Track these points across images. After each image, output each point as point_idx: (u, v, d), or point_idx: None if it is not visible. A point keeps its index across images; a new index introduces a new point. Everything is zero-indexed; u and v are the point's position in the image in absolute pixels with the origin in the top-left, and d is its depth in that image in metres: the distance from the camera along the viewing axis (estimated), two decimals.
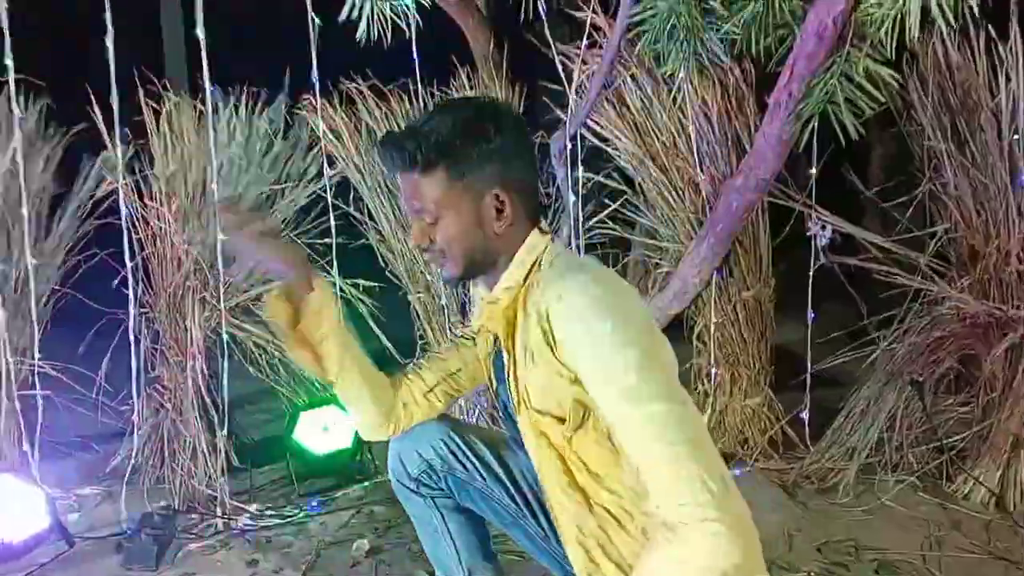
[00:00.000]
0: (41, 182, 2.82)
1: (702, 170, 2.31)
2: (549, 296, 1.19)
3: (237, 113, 2.69)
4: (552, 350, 1.18)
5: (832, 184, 2.46)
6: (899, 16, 1.78)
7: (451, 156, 1.24)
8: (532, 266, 1.27)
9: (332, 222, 2.71)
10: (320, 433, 2.67)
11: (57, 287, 2.80)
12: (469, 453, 1.51)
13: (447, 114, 1.28)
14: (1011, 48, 2.08)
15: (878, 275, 2.24)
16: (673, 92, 2.26)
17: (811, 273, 2.26)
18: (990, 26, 2.07)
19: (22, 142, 2.58)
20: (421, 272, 2.79)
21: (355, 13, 2.17)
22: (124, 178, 2.60)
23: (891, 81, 1.89)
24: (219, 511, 2.42)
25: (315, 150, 2.74)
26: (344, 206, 2.77)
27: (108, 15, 2.28)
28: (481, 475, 1.50)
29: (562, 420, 1.22)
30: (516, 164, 1.27)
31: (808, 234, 2.21)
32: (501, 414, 1.41)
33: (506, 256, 1.29)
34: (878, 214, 2.93)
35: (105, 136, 2.66)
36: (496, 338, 1.32)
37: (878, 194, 2.53)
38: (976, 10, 1.82)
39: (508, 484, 1.49)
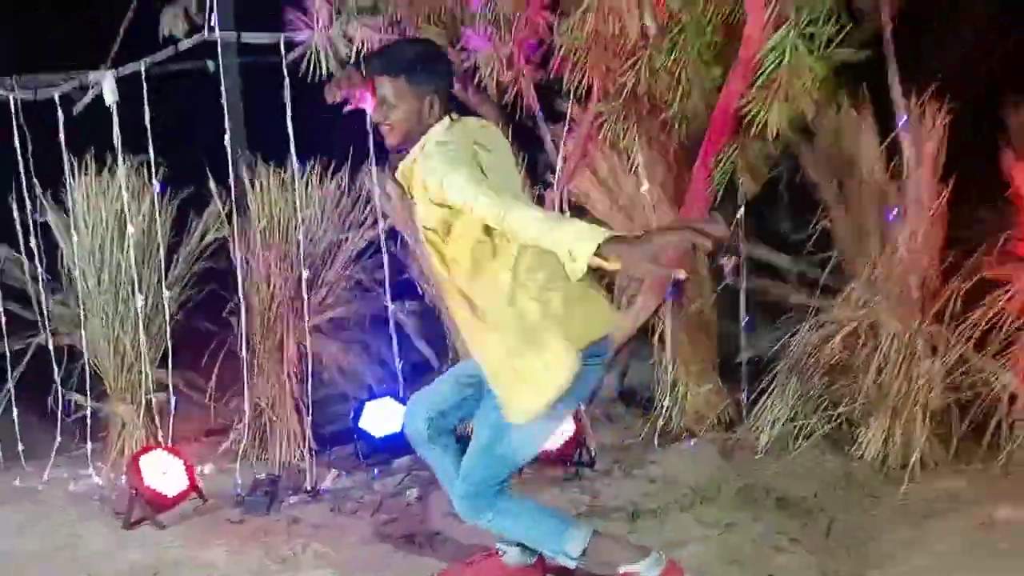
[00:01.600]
0: (163, 233, 3.74)
1: (655, 216, 3.14)
2: (422, 155, 2.00)
3: (312, 179, 3.58)
4: (425, 187, 1.94)
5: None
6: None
7: (410, 70, 2.03)
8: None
9: (385, 260, 3.59)
10: (378, 421, 3.52)
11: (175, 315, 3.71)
12: (442, 393, 2.33)
13: (411, 45, 2.17)
14: (867, 128, 2.90)
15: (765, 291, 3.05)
16: (630, 161, 3.10)
17: (719, 292, 3.09)
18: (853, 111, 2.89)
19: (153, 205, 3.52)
20: None
21: None
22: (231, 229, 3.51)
23: (773, 155, 2.71)
24: (308, 476, 3.28)
25: (370, 206, 3.62)
26: (393, 248, 3.64)
27: (228, 122, 3.18)
28: (454, 399, 2.30)
29: (436, 231, 2.01)
30: (443, 82, 2.09)
31: (719, 263, 3.03)
32: None
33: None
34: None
35: (215, 197, 3.59)
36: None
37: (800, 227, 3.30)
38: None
39: (465, 387, 2.27)
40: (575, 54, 2.56)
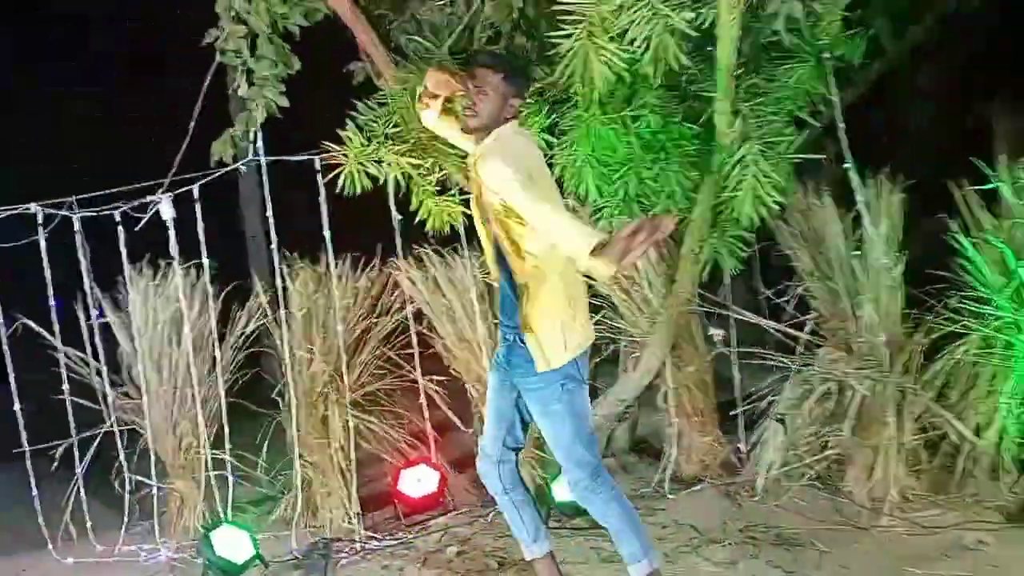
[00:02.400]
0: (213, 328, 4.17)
1: (651, 292, 3.57)
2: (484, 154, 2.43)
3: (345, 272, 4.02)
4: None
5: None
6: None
7: (510, 72, 2.48)
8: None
9: (413, 338, 4.02)
10: (415, 484, 3.92)
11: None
12: (493, 436, 2.73)
13: (513, 56, 2.85)
14: (830, 208, 3.34)
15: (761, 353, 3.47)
16: None
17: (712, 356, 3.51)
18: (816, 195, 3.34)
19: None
20: (473, 368, 4.05)
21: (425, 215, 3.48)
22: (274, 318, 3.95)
23: (750, 240, 3.15)
24: (357, 539, 3.68)
25: (398, 292, 4.05)
26: (419, 327, 4.07)
27: (274, 237, 3.64)
28: (501, 434, 2.71)
29: (497, 212, 2.43)
30: (523, 92, 2.56)
31: (708, 334, 3.47)
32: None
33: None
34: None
35: (259, 290, 4.04)
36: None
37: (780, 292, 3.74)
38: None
39: (503, 420, 2.70)
40: (573, 166, 3.00)
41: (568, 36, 2.44)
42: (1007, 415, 3.19)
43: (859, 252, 3.38)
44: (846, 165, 3.30)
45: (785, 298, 3.58)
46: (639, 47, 2.41)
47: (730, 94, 2.70)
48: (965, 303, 3.23)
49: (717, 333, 3.46)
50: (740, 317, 3.59)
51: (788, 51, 2.71)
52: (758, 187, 2.86)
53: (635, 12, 2.36)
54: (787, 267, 3.59)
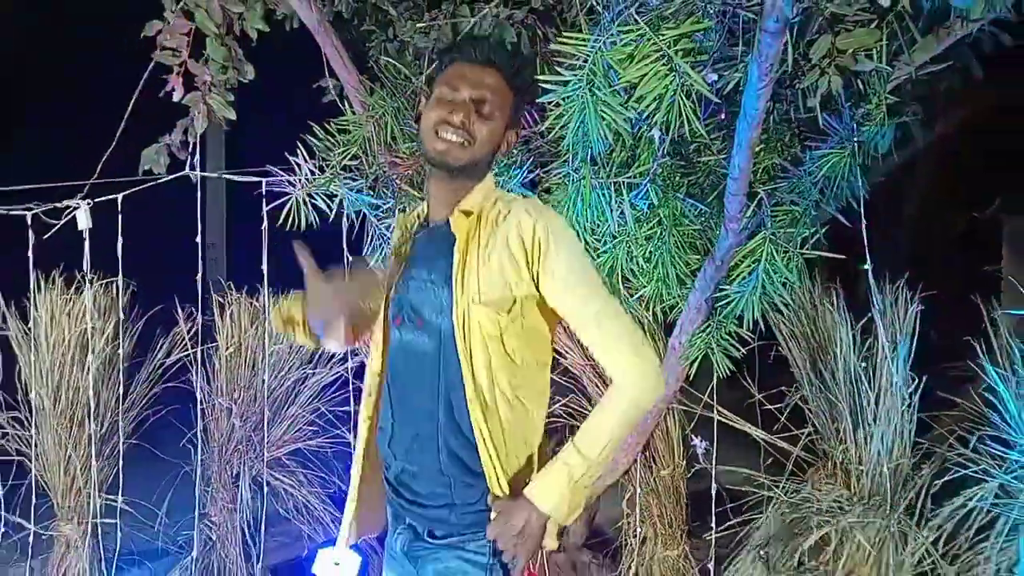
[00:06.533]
0: (125, 352, 3.65)
1: None
2: (531, 215, 1.55)
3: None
4: (525, 253, 1.52)
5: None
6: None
7: (524, 90, 1.66)
8: (491, 194, 1.63)
9: (350, 395, 3.53)
10: (332, 567, 3.39)
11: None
12: None
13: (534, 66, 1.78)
14: (840, 311, 2.91)
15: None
16: None
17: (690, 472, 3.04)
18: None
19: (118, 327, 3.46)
20: None
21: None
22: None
23: (747, 338, 2.70)
24: None
25: None
26: (359, 383, 3.57)
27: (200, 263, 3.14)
28: None
29: (501, 311, 1.54)
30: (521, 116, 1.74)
31: (692, 443, 3.00)
32: (422, 317, 1.62)
33: (478, 178, 1.63)
34: None
35: (180, 320, 3.55)
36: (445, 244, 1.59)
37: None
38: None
39: None
40: None
41: (565, 83, 1.99)
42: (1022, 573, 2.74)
43: (868, 365, 2.95)
44: (865, 266, 2.87)
45: (779, 405, 3.13)
46: (647, 107, 1.96)
47: (747, 173, 2.26)
48: (985, 442, 2.79)
49: (700, 445, 2.98)
50: (726, 421, 3.12)
51: (820, 132, 2.28)
52: (766, 283, 2.42)
53: (648, 65, 1.91)
54: (784, 369, 3.15)
